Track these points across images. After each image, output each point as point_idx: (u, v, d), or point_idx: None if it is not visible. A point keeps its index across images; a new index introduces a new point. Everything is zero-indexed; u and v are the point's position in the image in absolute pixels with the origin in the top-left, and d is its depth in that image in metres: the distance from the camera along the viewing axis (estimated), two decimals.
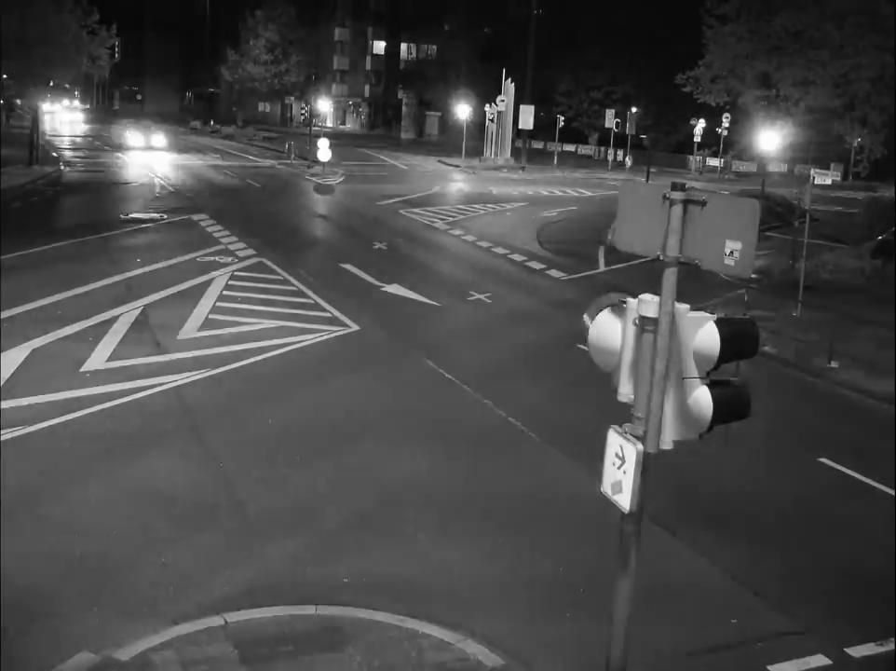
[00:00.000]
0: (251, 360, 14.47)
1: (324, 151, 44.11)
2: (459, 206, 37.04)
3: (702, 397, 5.05)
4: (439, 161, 59.45)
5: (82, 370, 13.43)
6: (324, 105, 77.95)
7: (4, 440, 10.66)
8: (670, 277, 4.97)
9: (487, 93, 65.49)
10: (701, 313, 5.11)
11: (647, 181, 39.82)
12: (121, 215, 28.65)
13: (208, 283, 19.51)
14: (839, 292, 22.05)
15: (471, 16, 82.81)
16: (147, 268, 20.61)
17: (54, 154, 49.00)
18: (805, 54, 26.60)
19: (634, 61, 71.10)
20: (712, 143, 64.21)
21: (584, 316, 5.44)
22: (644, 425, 5.09)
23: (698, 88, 31.70)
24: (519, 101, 57.51)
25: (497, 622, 7.69)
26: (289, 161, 51.41)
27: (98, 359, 13.98)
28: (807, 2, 26.61)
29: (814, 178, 24.19)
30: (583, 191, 46.55)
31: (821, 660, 7.49)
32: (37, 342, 14.56)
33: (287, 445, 11.21)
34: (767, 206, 31.04)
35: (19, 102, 45.84)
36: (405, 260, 24.23)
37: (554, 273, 23.87)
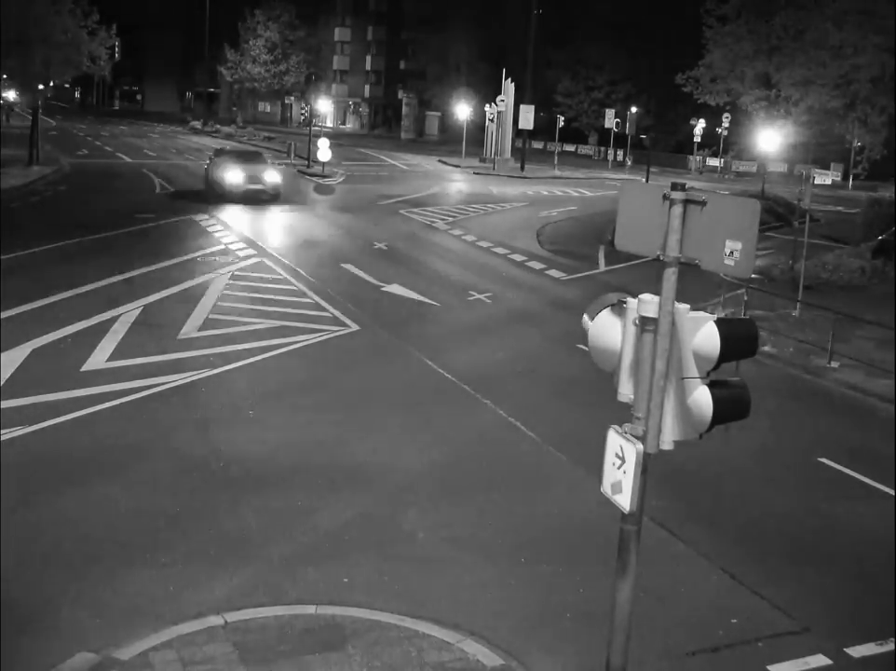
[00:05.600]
0: (252, 360, 14.47)
1: (324, 151, 44.10)
2: (459, 206, 37.04)
3: (702, 397, 5.05)
4: (439, 161, 59.45)
5: (82, 370, 13.43)
6: (324, 105, 77.99)
7: (4, 440, 10.66)
8: (670, 277, 4.98)
9: (487, 93, 65.48)
10: (701, 313, 5.11)
11: (647, 181, 39.83)
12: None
13: (208, 283, 19.51)
14: (839, 292, 22.05)
15: (471, 16, 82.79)
16: (147, 268, 20.61)
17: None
18: (805, 54, 26.60)
19: (634, 62, 71.14)
20: (712, 143, 64.28)
21: (584, 316, 5.44)
22: (644, 425, 5.09)
23: (698, 88, 31.72)
24: (519, 101, 57.47)
25: (497, 622, 7.69)
26: (289, 161, 51.39)
27: (98, 359, 13.98)
28: (808, 2, 26.62)
29: (814, 178, 24.19)
30: (583, 191, 46.55)
31: (820, 660, 7.49)
32: (37, 342, 14.55)
33: (287, 445, 11.21)
34: (767, 206, 31.13)
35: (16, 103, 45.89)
36: (405, 260, 24.24)
37: (554, 273, 23.88)
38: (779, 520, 10.13)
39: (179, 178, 40.93)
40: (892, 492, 10.83)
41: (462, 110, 59.91)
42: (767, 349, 16.50)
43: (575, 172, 57.28)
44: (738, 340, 5.09)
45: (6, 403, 11.75)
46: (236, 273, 20.75)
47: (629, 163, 62.23)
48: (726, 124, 59.53)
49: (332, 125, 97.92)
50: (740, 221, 4.88)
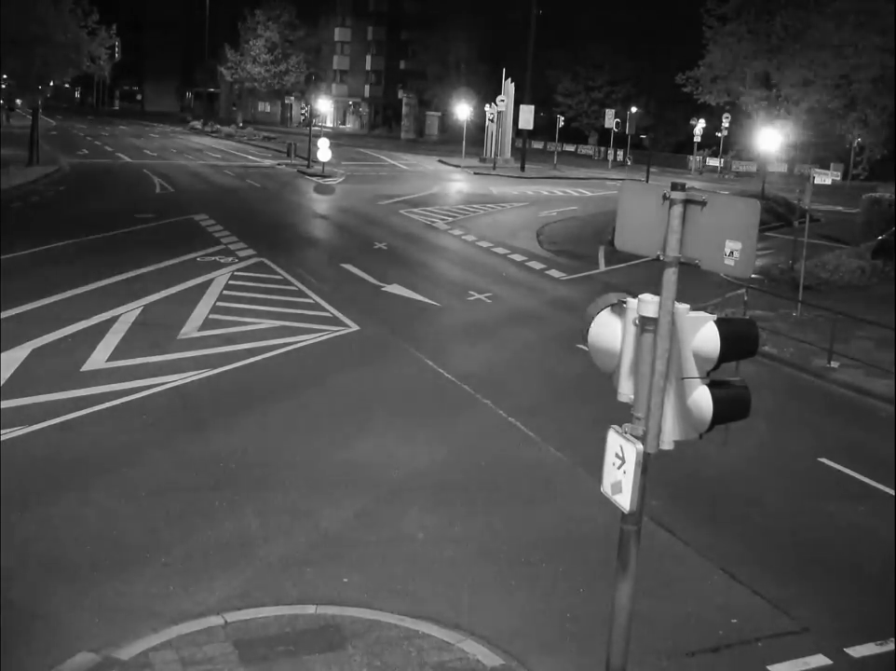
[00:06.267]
0: (252, 360, 14.47)
1: (324, 151, 44.10)
2: (459, 206, 37.04)
3: (702, 397, 5.05)
4: (439, 161, 59.44)
5: (82, 370, 13.43)
6: (324, 105, 77.90)
7: (4, 440, 10.66)
8: (670, 277, 4.98)
9: (487, 93, 65.49)
10: (701, 313, 5.11)
11: (647, 181, 39.83)
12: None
13: (208, 283, 19.51)
14: (839, 292, 22.05)
15: (472, 16, 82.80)
16: (147, 268, 20.61)
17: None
18: (805, 54, 26.62)
19: (634, 62, 71.13)
20: (712, 143, 64.29)
21: (584, 316, 5.44)
22: (644, 425, 5.09)
23: (698, 88, 31.76)
24: (519, 101, 57.49)
25: (497, 622, 7.70)
26: (289, 161, 51.40)
27: (98, 359, 13.98)
28: (808, 2, 26.64)
29: (814, 178, 24.17)
30: (583, 191, 46.56)
31: (821, 660, 7.49)
32: (37, 342, 14.55)
33: (287, 445, 11.21)
34: (767, 206, 31.12)
35: (19, 102, 45.86)
36: (405, 260, 24.24)
37: (554, 273, 23.88)
38: (779, 520, 10.13)
39: (179, 178, 40.93)
40: (892, 492, 10.84)
41: (462, 110, 59.90)
42: (766, 348, 16.49)
43: (575, 172, 57.28)
44: (738, 340, 5.09)
45: (6, 403, 11.76)
46: (236, 273, 20.75)
47: (629, 163, 62.22)
48: (726, 124, 59.56)
49: (332, 125, 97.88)
50: (740, 221, 4.88)
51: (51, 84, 44.40)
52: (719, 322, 5.03)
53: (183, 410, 12.24)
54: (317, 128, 55.43)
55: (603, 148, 73.58)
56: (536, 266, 24.74)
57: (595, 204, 39.64)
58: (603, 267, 25.37)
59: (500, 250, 26.77)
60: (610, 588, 5.60)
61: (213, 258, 22.39)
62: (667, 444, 5.15)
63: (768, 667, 7.37)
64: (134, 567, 8.22)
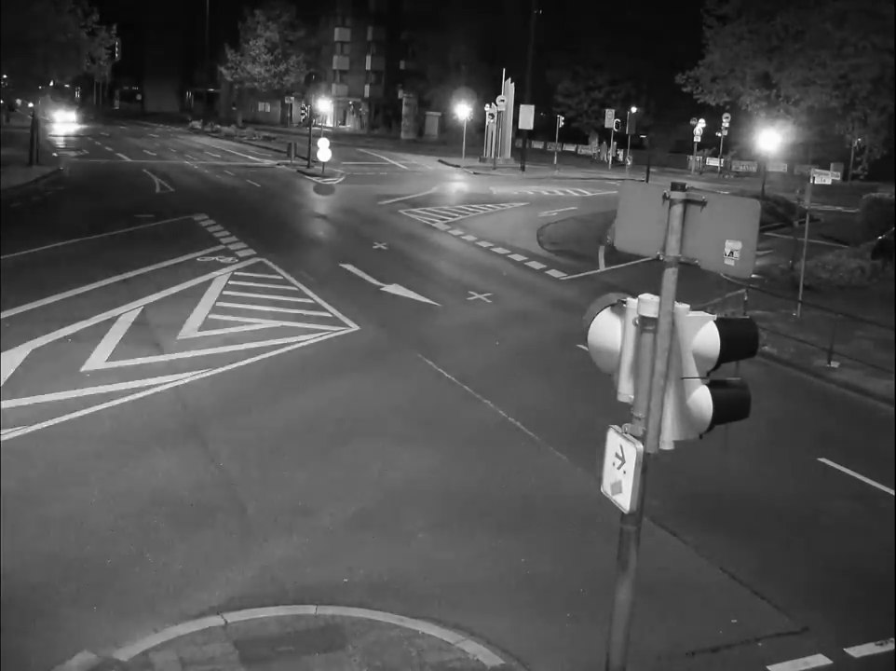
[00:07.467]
0: (251, 360, 14.48)
1: (324, 151, 44.11)
2: (459, 206, 37.04)
3: (702, 397, 5.05)
4: (439, 161, 59.43)
5: (82, 370, 13.43)
6: (324, 105, 77.80)
7: (4, 440, 10.66)
8: (670, 277, 4.98)
9: (487, 93, 65.48)
10: (701, 313, 5.11)
11: (647, 181, 39.82)
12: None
13: (208, 283, 19.51)
14: (839, 292, 22.05)
15: (471, 15, 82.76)
16: (147, 268, 20.61)
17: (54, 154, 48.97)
18: (805, 54, 26.59)
19: (634, 62, 71.08)
20: (712, 143, 64.28)
21: (584, 316, 5.44)
22: (644, 425, 5.09)
23: (698, 88, 31.70)
24: (519, 101, 57.46)
25: (497, 622, 7.69)
26: (289, 161, 51.40)
27: (98, 359, 13.98)
28: (808, 2, 26.61)
29: (814, 178, 24.19)
30: (583, 191, 46.55)
31: (820, 660, 7.50)
32: (37, 342, 14.56)
33: (287, 445, 11.21)
34: (767, 206, 31.11)
35: (19, 102, 45.89)
36: (405, 260, 24.24)
37: (554, 273, 23.88)
38: (779, 520, 10.13)
39: (179, 178, 40.93)
40: (892, 492, 10.84)
41: (462, 110, 59.88)
42: (766, 349, 16.49)
43: (574, 172, 57.27)
44: (738, 340, 5.09)
45: (6, 403, 11.76)
46: (236, 273, 20.75)
47: (629, 163, 62.19)
48: (726, 124, 59.52)
49: (332, 125, 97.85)
50: (740, 221, 4.88)
51: (51, 84, 44.37)
52: (719, 322, 5.03)
53: (182, 410, 12.24)
54: (317, 128, 55.42)
55: (603, 146, 73.51)
56: (536, 266, 24.75)
57: (595, 204, 39.61)
58: (603, 267, 25.37)
59: (500, 250, 26.77)
60: (610, 588, 5.60)
61: (213, 258, 22.39)
62: (667, 444, 5.15)
63: (768, 667, 7.37)
64: (134, 566, 8.22)
